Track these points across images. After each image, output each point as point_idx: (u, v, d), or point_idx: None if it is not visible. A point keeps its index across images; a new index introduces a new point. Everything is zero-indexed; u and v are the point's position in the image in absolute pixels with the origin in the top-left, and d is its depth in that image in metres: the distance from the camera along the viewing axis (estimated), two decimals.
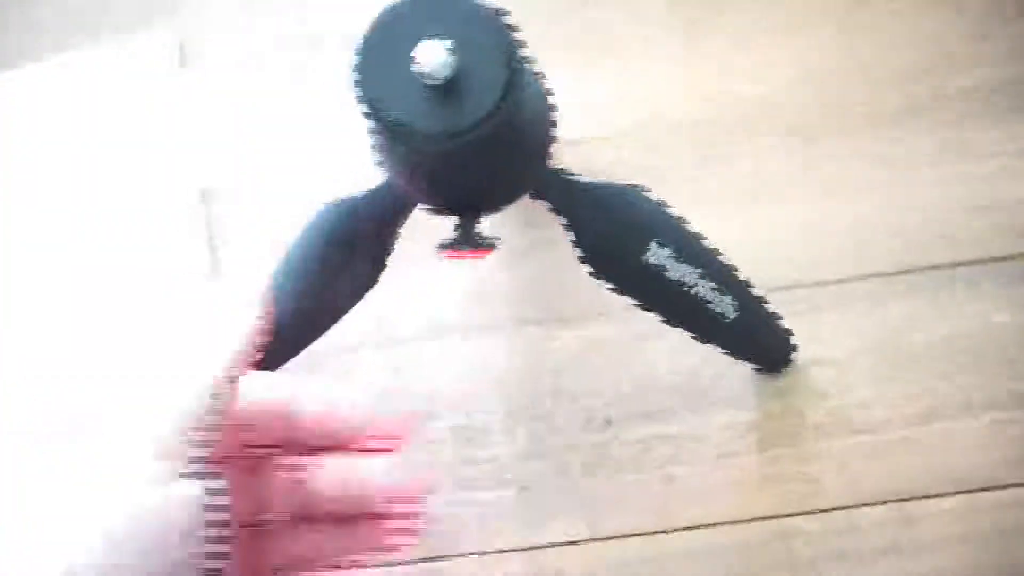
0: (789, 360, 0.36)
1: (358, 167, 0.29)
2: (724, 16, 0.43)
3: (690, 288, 0.30)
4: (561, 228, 0.31)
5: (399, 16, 0.23)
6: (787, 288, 0.39)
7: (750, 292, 0.33)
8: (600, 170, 0.37)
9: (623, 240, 0.29)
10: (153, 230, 0.41)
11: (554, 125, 0.28)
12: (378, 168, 0.27)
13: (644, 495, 0.35)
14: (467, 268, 0.40)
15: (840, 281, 0.39)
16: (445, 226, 0.29)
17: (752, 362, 0.36)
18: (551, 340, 0.39)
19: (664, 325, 0.34)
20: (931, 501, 0.34)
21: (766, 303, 0.34)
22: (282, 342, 0.33)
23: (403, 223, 0.31)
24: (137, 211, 0.42)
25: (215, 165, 0.43)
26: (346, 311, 0.32)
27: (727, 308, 0.32)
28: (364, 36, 0.24)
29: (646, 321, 0.34)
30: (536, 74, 0.26)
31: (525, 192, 0.28)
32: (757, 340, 0.35)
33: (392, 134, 0.23)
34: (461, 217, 0.27)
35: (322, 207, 0.31)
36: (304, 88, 0.43)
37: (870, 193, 0.41)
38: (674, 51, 0.46)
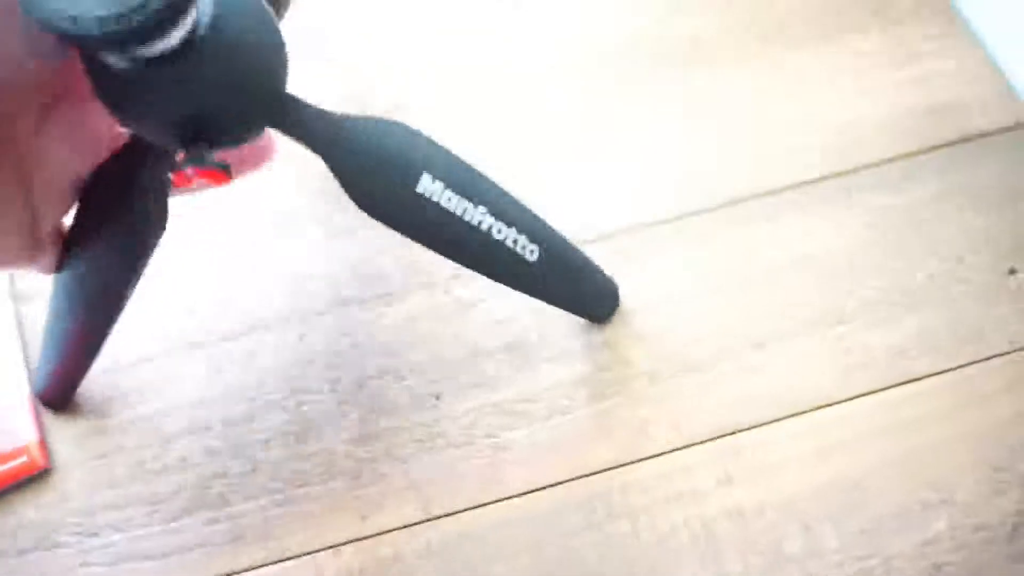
0: (613, 306, 0.35)
1: None
2: None
3: (478, 224, 0.29)
4: None
5: None
6: (615, 233, 0.38)
7: (550, 232, 0.32)
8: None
9: (389, 174, 0.27)
10: None
11: (280, 45, 0.25)
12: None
13: (477, 467, 0.34)
14: (281, 251, 0.38)
15: (667, 220, 0.39)
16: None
17: (573, 310, 0.35)
18: (376, 319, 0.38)
19: (486, 292, 0.32)
20: (764, 428, 0.35)
21: (572, 245, 0.33)
22: (80, 335, 0.31)
23: (157, 170, 0.27)
24: None
25: None
26: (135, 278, 0.29)
27: (527, 248, 0.30)
28: None
29: (468, 288, 0.33)
30: None
31: (259, 122, 0.25)
32: (570, 284, 0.34)
33: (44, 22, 0.19)
34: (187, 150, 0.24)
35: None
36: None
37: (698, 127, 0.40)
38: None
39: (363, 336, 0.37)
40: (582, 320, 0.36)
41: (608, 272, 0.36)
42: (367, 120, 0.28)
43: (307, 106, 0.27)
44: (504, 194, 0.30)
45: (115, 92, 0.24)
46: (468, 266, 0.31)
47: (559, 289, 0.34)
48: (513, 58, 0.43)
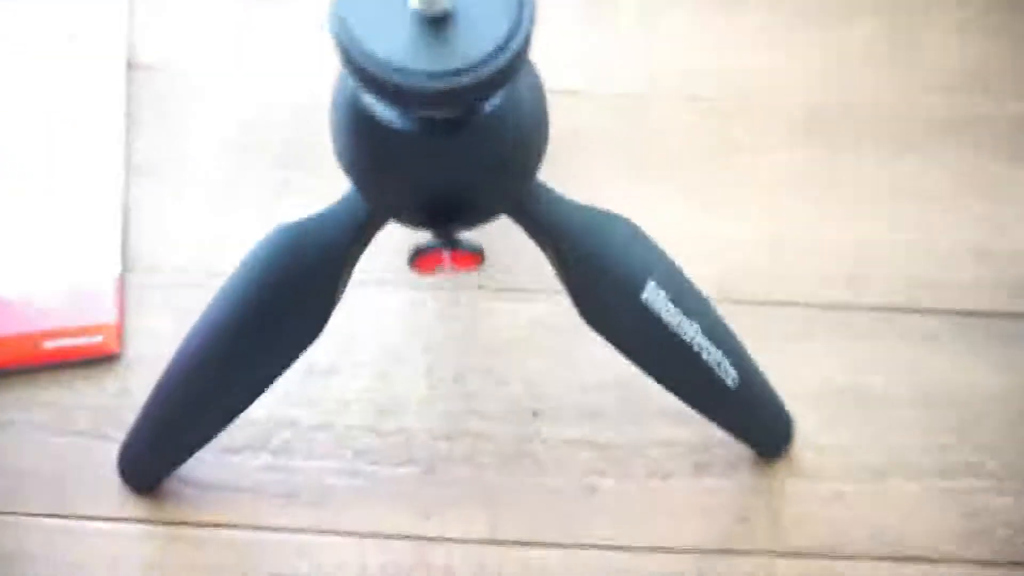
0: (786, 444, 0.34)
1: None
2: None
3: (690, 342, 0.28)
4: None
5: None
6: (757, 304, 0.36)
7: (748, 358, 0.30)
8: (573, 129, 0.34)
9: (620, 273, 0.27)
10: None
11: (547, 128, 0.24)
12: (341, 158, 0.23)
13: (559, 503, 0.33)
14: None
15: (816, 306, 0.36)
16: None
17: (749, 440, 0.33)
18: (491, 310, 0.35)
19: None
20: (860, 563, 0.32)
21: (764, 376, 0.31)
22: (206, 411, 0.30)
23: (361, 252, 0.26)
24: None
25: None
26: (284, 369, 0.28)
27: (728, 372, 0.29)
28: None
29: None
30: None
31: (509, 201, 0.25)
32: (757, 414, 0.32)
33: (371, 69, 0.19)
34: (436, 228, 0.24)
35: (262, 240, 0.26)
36: None
37: (877, 216, 0.38)
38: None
39: (473, 323, 0.35)
40: None
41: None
42: (599, 213, 0.27)
43: (551, 191, 0.26)
44: (714, 310, 0.29)
45: (381, 155, 0.22)
46: (664, 384, 0.30)
47: (745, 420, 0.32)
48: None
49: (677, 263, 0.29)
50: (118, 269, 0.34)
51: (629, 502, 0.33)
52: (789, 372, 0.35)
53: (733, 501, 0.33)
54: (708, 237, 0.37)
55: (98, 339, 0.33)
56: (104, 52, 0.38)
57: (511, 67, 0.20)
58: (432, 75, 0.19)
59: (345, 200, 0.25)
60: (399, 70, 0.19)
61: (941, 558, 0.32)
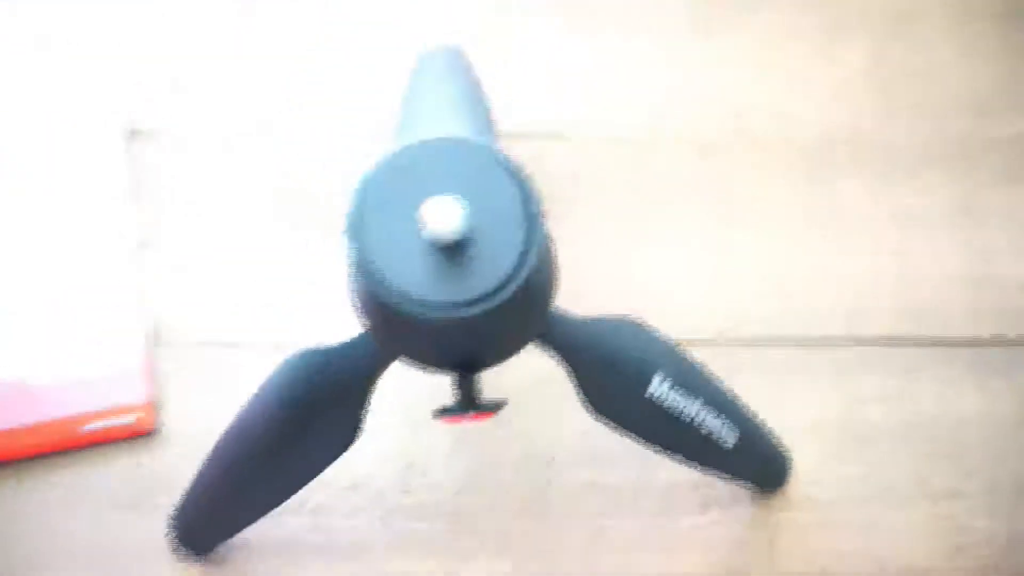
0: (785, 478, 0.36)
1: None
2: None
3: (692, 419, 0.30)
4: None
5: (406, 163, 0.23)
6: (756, 344, 0.38)
7: (748, 415, 0.33)
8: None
9: (625, 378, 0.29)
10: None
11: (557, 271, 0.26)
12: (360, 320, 0.25)
13: (572, 544, 0.36)
14: None
15: (813, 343, 0.38)
16: None
17: (747, 483, 0.36)
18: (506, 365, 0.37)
19: None
20: None
21: (763, 424, 0.34)
22: (226, 522, 0.32)
23: (383, 372, 0.28)
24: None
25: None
26: (310, 479, 0.31)
27: (728, 435, 0.32)
28: (362, 183, 0.22)
29: None
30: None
31: (528, 342, 0.27)
32: (756, 463, 0.35)
33: (389, 301, 0.21)
34: (458, 375, 0.26)
35: (283, 364, 0.28)
36: None
37: (873, 247, 0.39)
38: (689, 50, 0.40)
39: (492, 376, 0.37)
40: None
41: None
42: (605, 322, 0.29)
43: (561, 315, 0.27)
44: (716, 385, 0.32)
45: (404, 333, 0.24)
46: (662, 452, 0.32)
47: (743, 470, 0.35)
48: None
49: (680, 347, 0.31)
50: (144, 344, 0.36)
51: (637, 539, 0.36)
52: (787, 409, 0.37)
53: (734, 534, 0.37)
54: (706, 279, 0.39)
55: (133, 419, 0.35)
56: (102, 121, 0.38)
57: (531, 282, 0.21)
58: (450, 306, 0.21)
59: (365, 336, 0.26)
60: (417, 302, 0.21)
61: (927, 571, 0.36)
